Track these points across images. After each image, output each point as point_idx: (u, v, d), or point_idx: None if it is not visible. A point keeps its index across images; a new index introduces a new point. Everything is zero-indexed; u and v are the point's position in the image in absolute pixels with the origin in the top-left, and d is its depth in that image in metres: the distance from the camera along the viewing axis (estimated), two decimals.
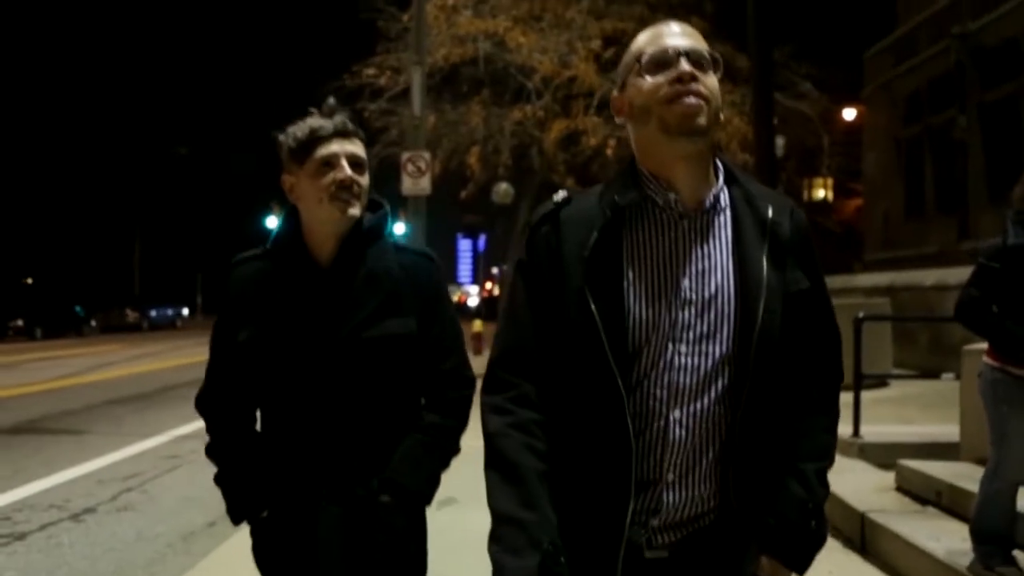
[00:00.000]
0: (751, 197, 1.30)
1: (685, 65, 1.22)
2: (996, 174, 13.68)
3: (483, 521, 1.24)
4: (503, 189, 16.53)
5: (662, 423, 1.22)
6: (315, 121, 1.63)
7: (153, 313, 36.29)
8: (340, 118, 1.64)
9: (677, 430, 1.22)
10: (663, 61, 1.24)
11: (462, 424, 1.71)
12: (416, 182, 8.10)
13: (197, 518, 4.80)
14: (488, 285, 59.67)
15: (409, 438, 1.62)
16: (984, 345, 3.37)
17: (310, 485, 1.59)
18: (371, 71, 12.91)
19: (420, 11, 9.28)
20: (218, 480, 1.69)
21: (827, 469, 1.34)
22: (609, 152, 13.35)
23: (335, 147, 1.59)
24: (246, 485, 1.65)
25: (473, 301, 52.23)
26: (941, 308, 8.36)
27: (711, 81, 1.25)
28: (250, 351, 1.61)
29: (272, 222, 45.69)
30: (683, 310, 1.23)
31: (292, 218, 1.67)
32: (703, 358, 1.23)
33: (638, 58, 1.27)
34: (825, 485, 1.33)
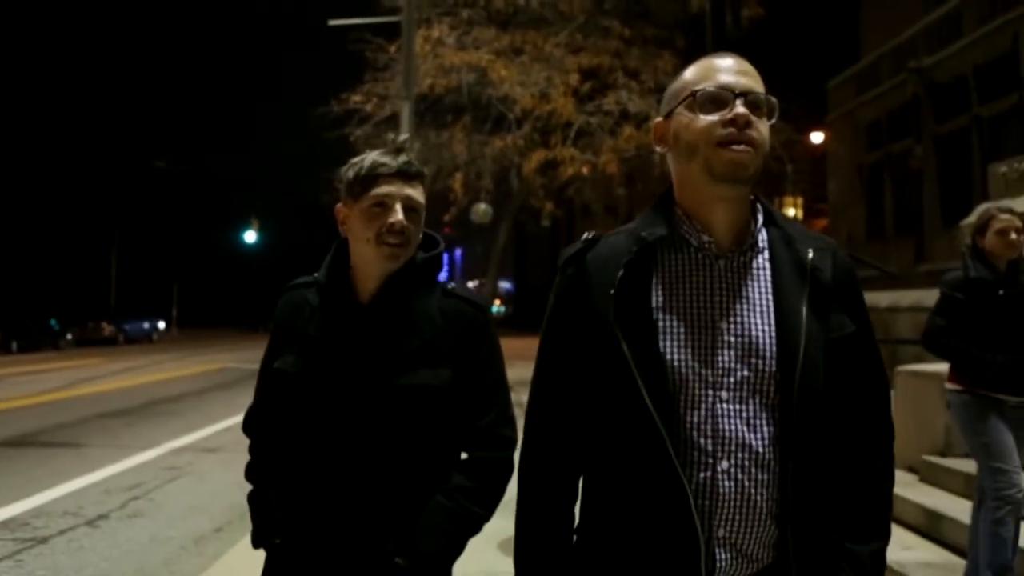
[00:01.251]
0: (790, 239, 1.25)
1: (740, 108, 1.17)
2: (949, 200, 14.48)
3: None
4: (482, 209, 17.05)
5: (708, 474, 1.15)
6: (379, 157, 1.55)
7: (128, 327, 36.13)
8: (405, 158, 1.57)
9: (726, 482, 1.15)
10: (718, 100, 1.18)
11: (493, 489, 1.57)
12: None
13: (205, 524, 5.20)
14: None
15: (433, 500, 1.51)
16: (915, 367, 3.80)
17: (326, 530, 1.53)
18: (358, 98, 13.45)
19: (409, 49, 9.80)
20: (250, 500, 1.66)
21: (884, 549, 1.26)
22: (585, 171, 13.95)
23: (392, 188, 1.52)
24: (268, 511, 1.60)
25: None
26: (894, 329, 8.92)
27: (764, 127, 1.19)
28: (281, 381, 1.58)
29: (251, 236, 45.81)
30: (723, 353, 1.17)
31: (341, 250, 1.62)
32: (746, 404, 1.16)
33: (692, 92, 1.21)
34: (881, 567, 1.25)
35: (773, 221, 1.27)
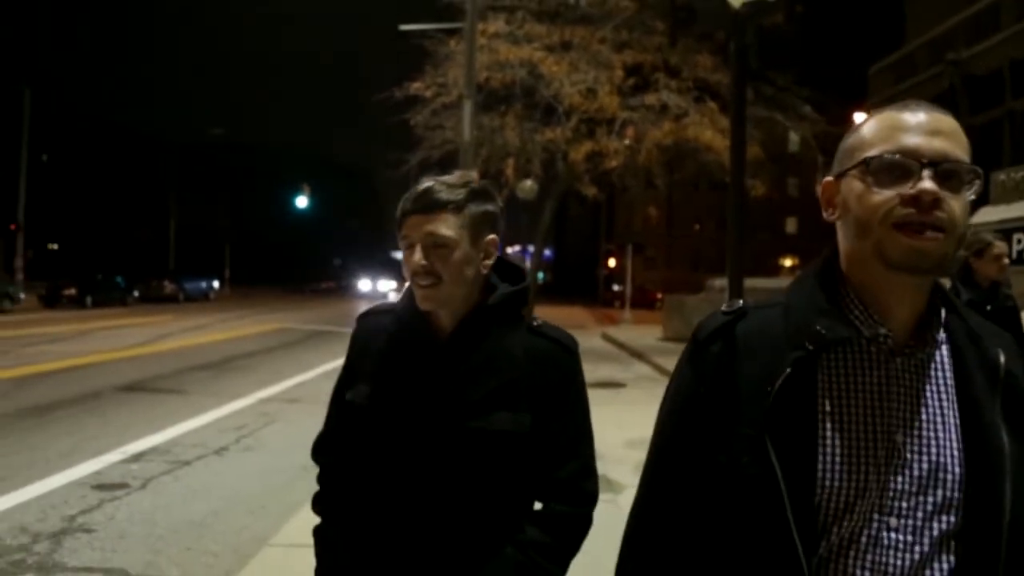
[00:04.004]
0: (975, 334, 1.04)
1: (927, 183, 0.95)
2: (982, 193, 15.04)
3: None
4: (528, 185, 18.10)
5: None
6: (411, 191, 1.48)
7: (188, 286, 38.13)
8: (424, 187, 1.47)
9: None
10: (900, 169, 0.97)
11: (570, 546, 1.47)
12: None
13: (307, 458, 6.42)
14: None
15: (504, 552, 1.43)
16: None
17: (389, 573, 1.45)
18: (418, 85, 14.56)
19: (471, 49, 10.79)
20: (315, 535, 1.59)
21: None
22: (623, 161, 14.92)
23: (411, 229, 1.45)
24: (332, 551, 1.54)
25: None
26: None
27: (958, 204, 0.96)
28: (352, 413, 1.52)
29: (302, 202, 47.35)
30: (896, 473, 0.98)
31: None
32: (919, 535, 0.97)
33: (867, 154, 1.00)
34: None
35: (953, 308, 1.06)
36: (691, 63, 13.52)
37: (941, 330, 1.04)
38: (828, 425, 1.00)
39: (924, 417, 1.00)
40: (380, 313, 1.60)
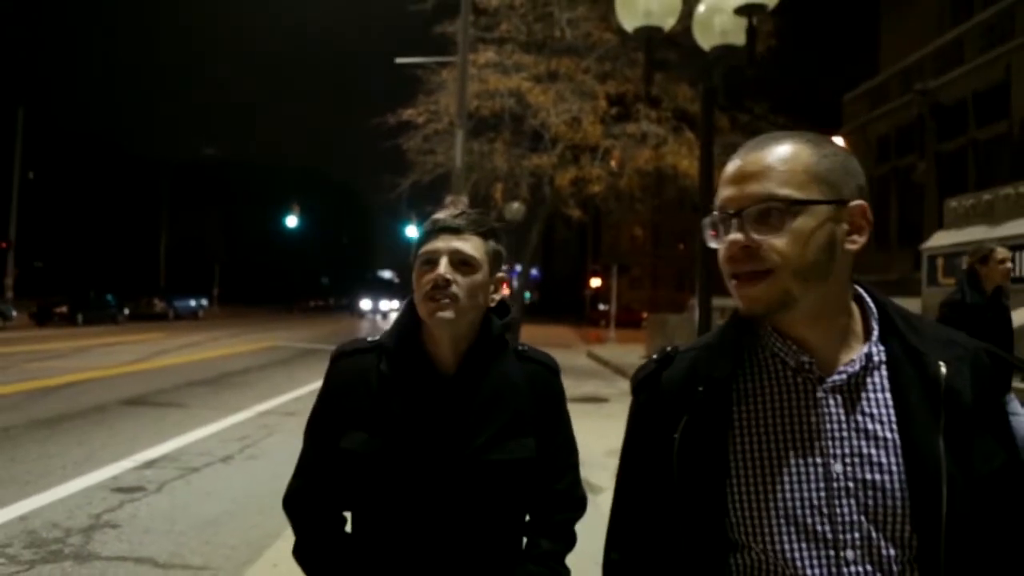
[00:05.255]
0: (914, 351, 0.99)
1: (734, 234, 0.97)
2: (972, 215, 15.74)
3: None
4: (515, 208, 18.71)
5: None
6: (440, 214, 1.51)
7: (177, 304, 38.38)
8: (456, 212, 1.51)
9: None
10: (720, 224, 1.00)
11: (570, 548, 1.57)
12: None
13: None
14: None
15: (524, 569, 1.49)
16: None
17: None
18: (411, 111, 15.17)
19: (463, 82, 11.40)
20: None
21: None
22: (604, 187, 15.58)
23: (439, 244, 1.46)
24: None
25: None
26: None
27: (784, 239, 0.94)
28: (358, 461, 1.45)
29: (292, 221, 47.66)
30: (841, 504, 0.95)
31: (412, 314, 1.52)
32: (876, 564, 0.94)
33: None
34: None
35: (892, 327, 1.03)
36: (671, 93, 14.22)
37: (878, 352, 1.01)
38: (746, 461, 1.00)
39: (863, 442, 0.97)
40: (361, 352, 1.54)
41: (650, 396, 1.12)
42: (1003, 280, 4.27)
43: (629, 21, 6.07)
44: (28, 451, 6.90)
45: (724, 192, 1.00)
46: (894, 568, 0.95)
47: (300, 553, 1.58)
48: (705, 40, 6.17)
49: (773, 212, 0.96)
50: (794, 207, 0.95)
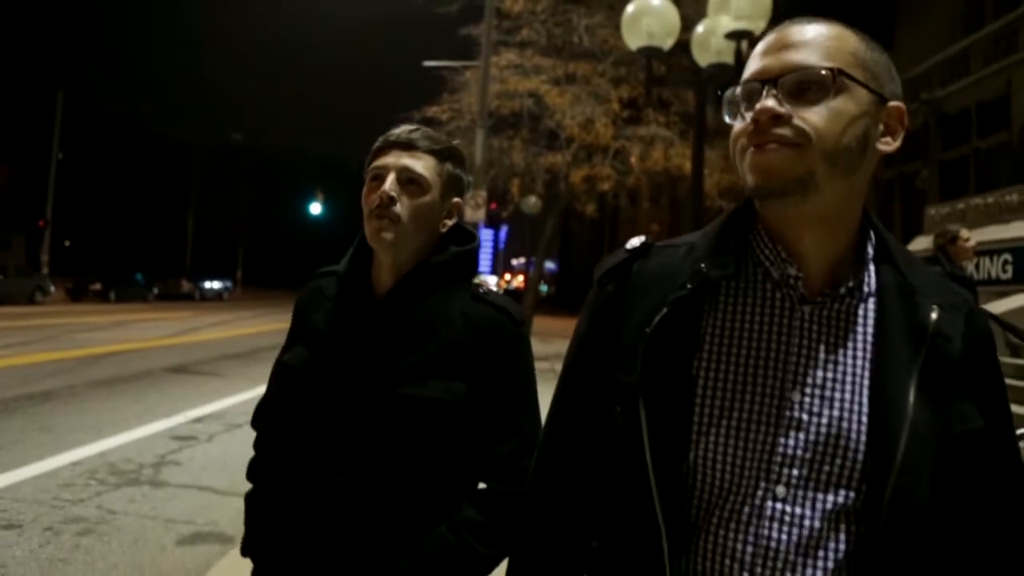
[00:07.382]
0: (909, 288, 0.91)
1: (766, 101, 0.86)
2: (946, 222, 16.34)
3: None
4: (532, 202, 19.53)
5: None
6: (393, 130, 1.42)
7: (204, 285, 39.62)
8: (410, 128, 1.42)
9: None
10: (748, 95, 0.90)
11: (503, 526, 1.29)
12: (474, 212, 11.17)
13: None
14: (507, 276, 63.39)
15: (434, 532, 1.32)
16: None
17: (314, 548, 1.36)
18: (435, 109, 16.05)
19: (485, 84, 12.22)
20: (246, 501, 1.49)
21: None
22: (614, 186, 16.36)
23: (389, 159, 1.37)
24: (259, 520, 1.45)
25: None
26: None
27: (819, 114, 0.85)
28: (287, 375, 1.44)
29: (316, 208, 48.70)
30: (787, 436, 0.87)
31: (364, 240, 1.43)
32: (810, 507, 0.86)
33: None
34: None
35: (889, 257, 0.94)
36: (681, 98, 14.94)
37: (868, 281, 0.93)
38: (709, 376, 0.91)
39: (829, 375, 0.88)
40: (325, 275, 1.52)
41: (619, 287, 1.01)
42: (968, 258, 4.91)
43: (633, 40, 6.87)
44: (94, 404, 7.86)
45: (757, 63, 0.91)
46: (825, 514, 0.86)
47: (251, 471, 1.53)
48: (702, 58, 6.96)
49: (813, 87, 0.86)
50: (838, 81, 0.86)
